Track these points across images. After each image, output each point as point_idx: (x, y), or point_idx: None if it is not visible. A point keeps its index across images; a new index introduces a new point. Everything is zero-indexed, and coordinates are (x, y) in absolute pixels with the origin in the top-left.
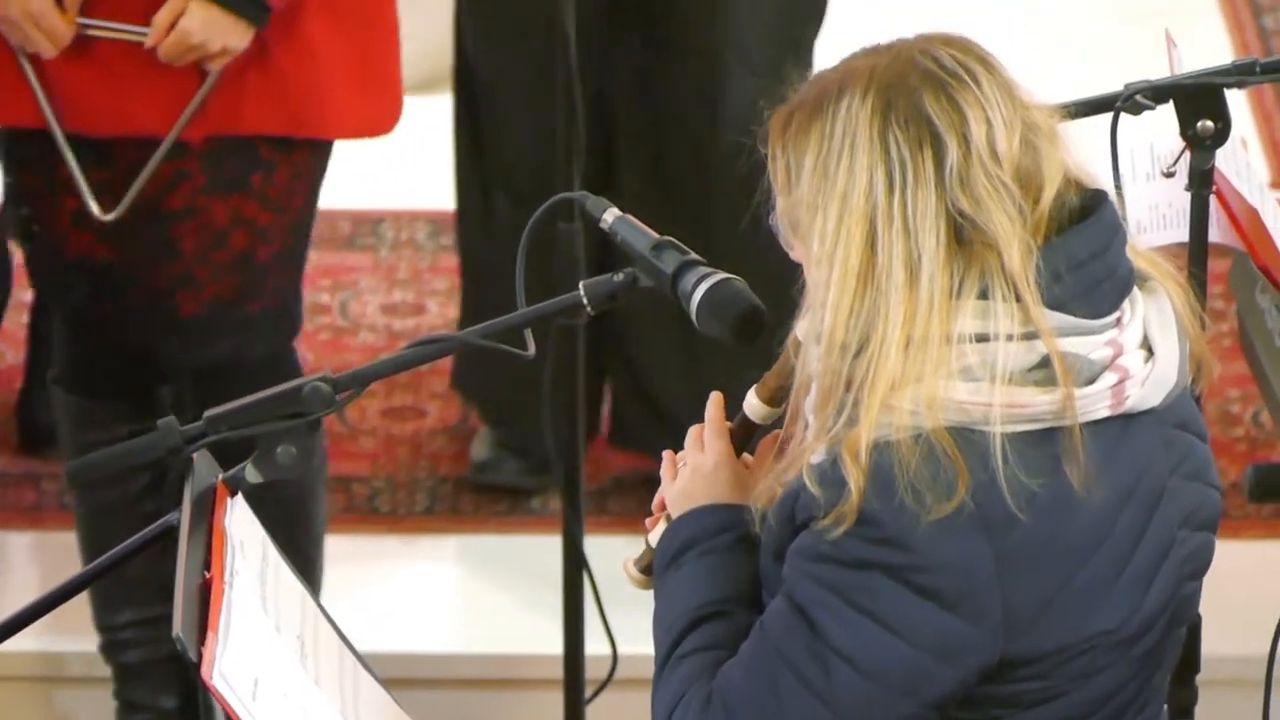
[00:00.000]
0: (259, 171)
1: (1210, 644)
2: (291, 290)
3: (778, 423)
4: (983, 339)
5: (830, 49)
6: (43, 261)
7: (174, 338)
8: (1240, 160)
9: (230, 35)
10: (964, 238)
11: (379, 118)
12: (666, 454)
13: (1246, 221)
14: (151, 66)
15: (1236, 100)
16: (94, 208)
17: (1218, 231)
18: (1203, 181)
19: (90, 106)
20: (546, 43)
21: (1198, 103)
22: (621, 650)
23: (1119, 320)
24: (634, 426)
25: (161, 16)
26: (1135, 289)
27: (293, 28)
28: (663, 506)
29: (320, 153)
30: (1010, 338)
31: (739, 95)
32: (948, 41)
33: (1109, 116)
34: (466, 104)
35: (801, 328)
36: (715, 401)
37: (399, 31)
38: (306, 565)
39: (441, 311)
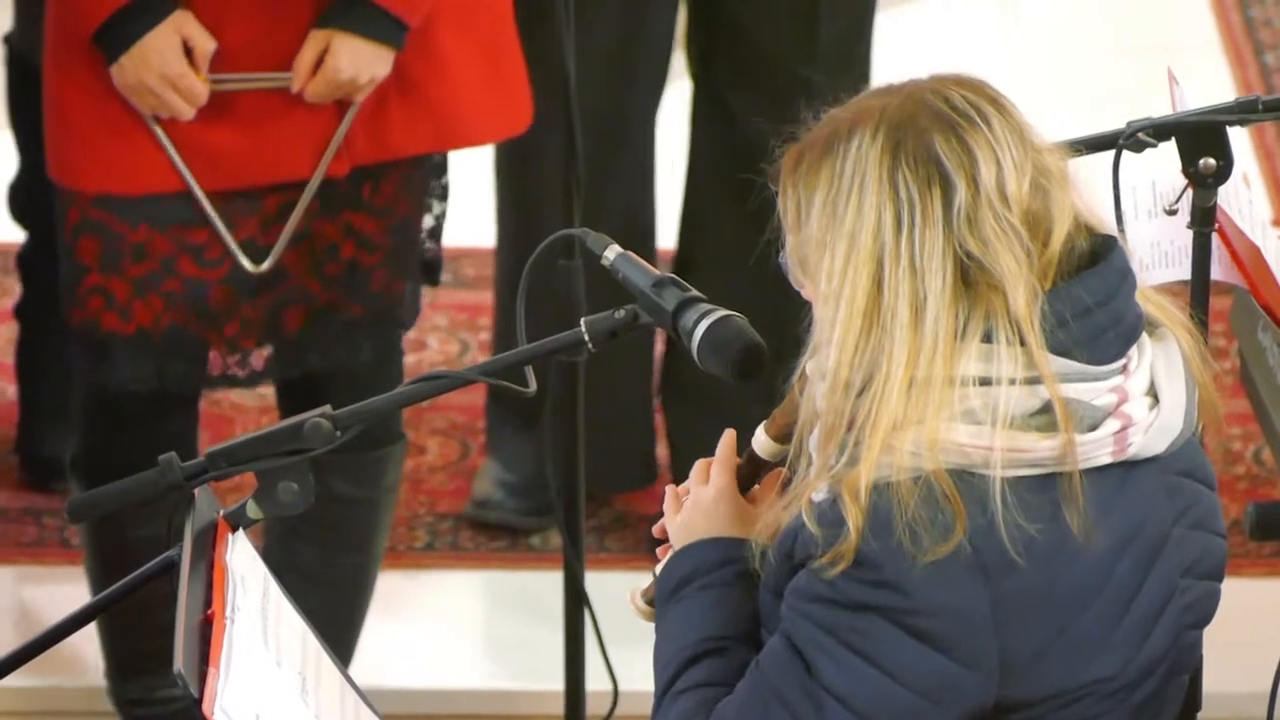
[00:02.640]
0: (368, 183)
1: (1211, 682)
2: (396, 289)
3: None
4: (985, 382)
5: None
6: (83, 341)
7: (274, 359)
8: (1242, 198)
9: (376, 64)
10: (970, 279)
11: (515, 117)
12: (669, 488)
13: (1248, 259)
14: (284, 110)
15: (1238, 137)
16: (246, 263)
17: (1220, 269)
18: (1205, 219)
19: (228, 161)
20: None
21: (1200, 140)
22: (622, 686)
23: (1125, 367)
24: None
25: (304, 59)
26: (1144, 335)
27: (425, 43)
28: (664, 535)
29: (429, 166)
30: (1013, 382)
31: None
32: (960, 82)
33: (1111, 154)
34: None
35: (809, 365)
36: (727, 437)
37: (515, 29)
38: (361, 585)
39: (442, 348)
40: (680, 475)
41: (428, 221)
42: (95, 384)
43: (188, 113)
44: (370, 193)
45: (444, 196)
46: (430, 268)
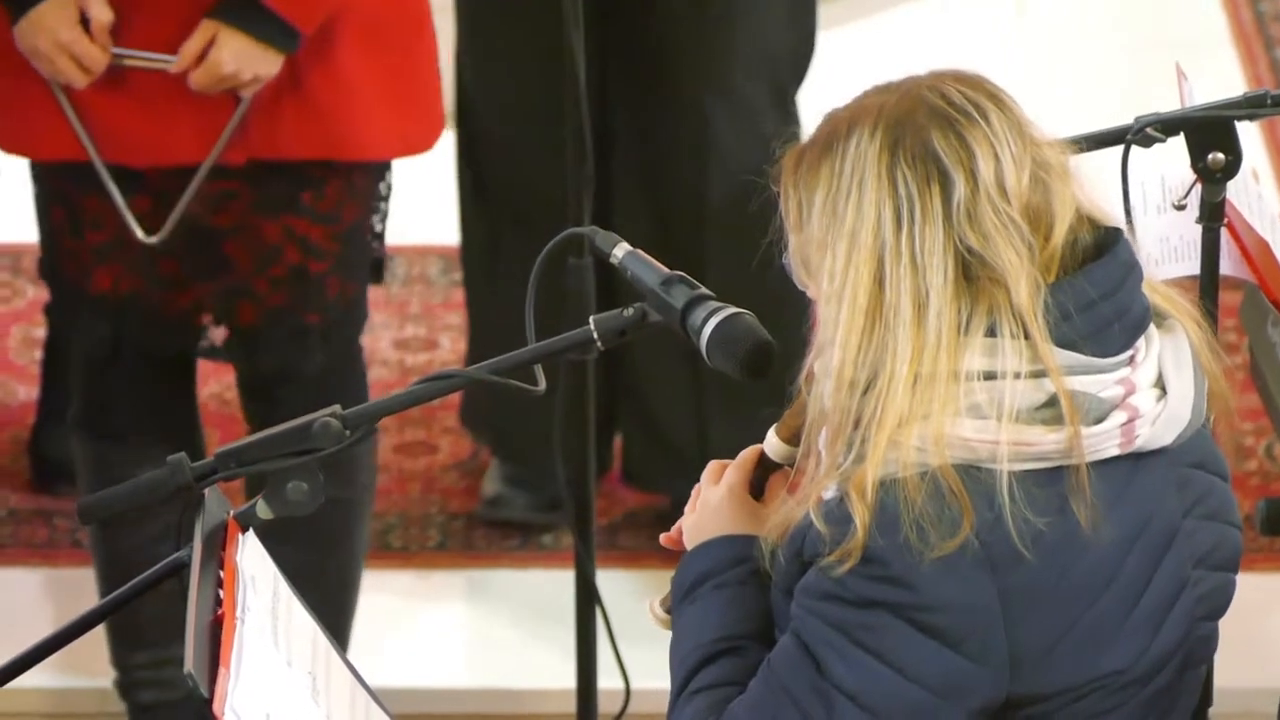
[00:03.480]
0: (309, 189)
1: (1222, 677)
2: (349, 295)
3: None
4: (990, 376)
5: (844, 88)
6: (66, 302)
7: (232, 343)
8: (1251, 192)
9: (260, 64)
10: (972, 274)
11: (416, 137)
12: (697, 487)
13: (1258, 254)
14: (187, 94)
15: (1248, 132)
16: (139, 232)
17: (1229, 264)
18: (1214, 214)
19: (128, 137)
20: (546, 78)
21: (1208, 135)
22: (634, 684)
23: (1132, 359)
24: (643, 466)
25: (190, 46)
26: (1152, 327)
27: (325, 53)
28: (674, 544)
29: (369, 168)
30: (1018, 375)
31: (727, 141)
32: (958, 78)
33: (1120, 150)
34: (468, 141)
35: (815, 365)
36: (752, 448)
37: (437, 51)
38: (344, 585)
39: (454, 346)
40: (628, 480)
41: (374, 222)
42: (78, 342)
43: (81, 81)
44: (312, 199)
45: (386, 197)
46: (376, 267)
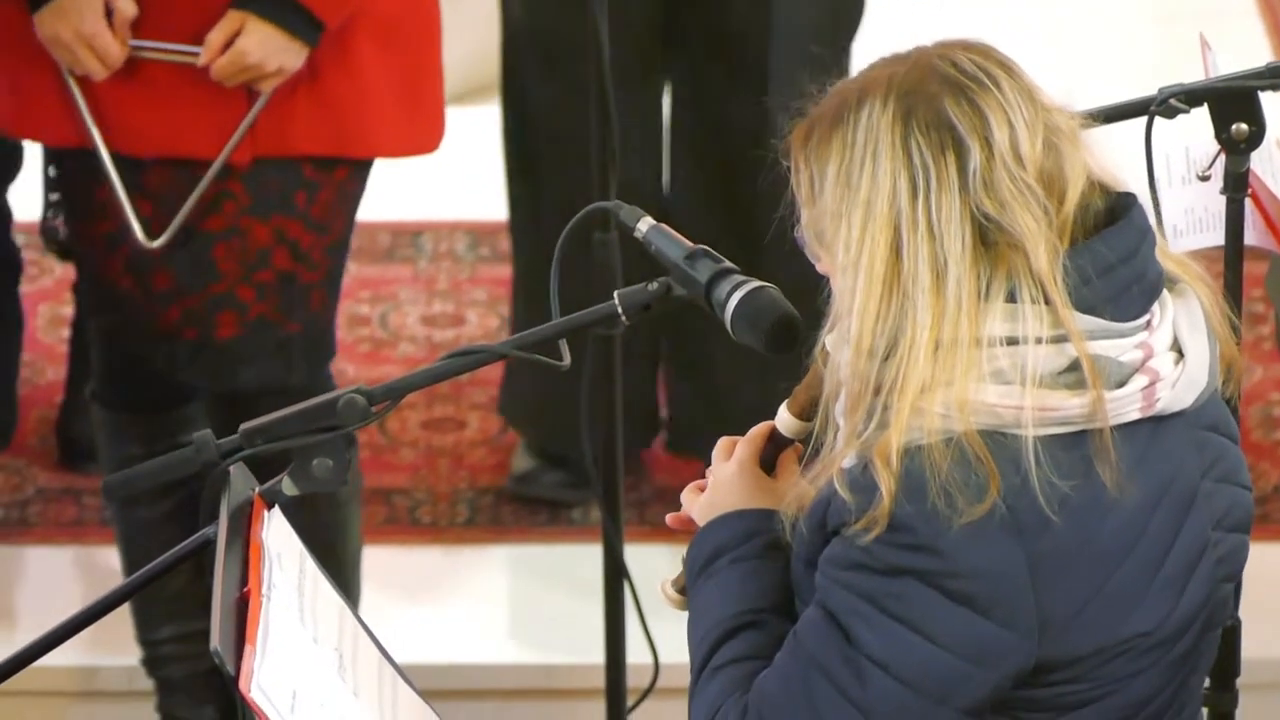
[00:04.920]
0: (302, 191)
1: (1251, 647)
2: (329, 314)
3: (810, 437)
4: (1012, 342)
5: (867, 58)
6: (82, 280)
7: (207, 362)
8: (1276, 163)
9: (286, 55)
10: (989, 240)
11: (424, 137)
12: (689, 487)
13: None
14: (199, 87)
15: (1272, 102)
16: (140, 234)
17: (1254, 235)
18: (1238, 185)
19: (137, 128)
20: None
21: (1232, 106)
22: (663, 659)
23: (1149, 323)
24: (697, 432)
25: (215, 36)
26: (1165, 291)
27: (342, 48)
28: (682, 523)
29: (361, 173)
30: (1040, 340)
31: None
32: (967, 47)
33: (1144, 121)
34: (516, 121)
35: (830, 338)
36: (763, 424)
37: (442, 52)
38: (341, 586)
39: (481, 322)
40: (677, 447)
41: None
42: (94, 318)
43: (100, 72)
44: (305, 202)
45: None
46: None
